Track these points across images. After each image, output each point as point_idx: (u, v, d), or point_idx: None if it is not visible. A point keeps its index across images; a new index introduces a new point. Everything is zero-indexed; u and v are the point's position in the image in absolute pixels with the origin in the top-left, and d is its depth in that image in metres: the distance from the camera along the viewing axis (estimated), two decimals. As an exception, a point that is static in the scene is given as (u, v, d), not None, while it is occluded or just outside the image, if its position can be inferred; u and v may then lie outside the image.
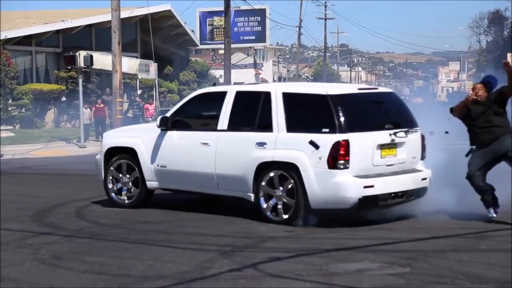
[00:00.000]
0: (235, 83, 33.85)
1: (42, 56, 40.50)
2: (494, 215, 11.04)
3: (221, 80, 43.05)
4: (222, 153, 11.79)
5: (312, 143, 10.79)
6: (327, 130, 10.86)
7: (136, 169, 12.82)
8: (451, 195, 11.79)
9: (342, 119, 10.85)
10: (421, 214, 11.51)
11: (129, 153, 12.93)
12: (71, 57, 29.87)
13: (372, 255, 9.12)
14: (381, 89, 13.20)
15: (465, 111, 11.25)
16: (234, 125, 11.84)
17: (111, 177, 13.11)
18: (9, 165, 22.32)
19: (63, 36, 41.04)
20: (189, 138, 12.33)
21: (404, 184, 11.29)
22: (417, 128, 11.75)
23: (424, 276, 8.05)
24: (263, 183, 11.28)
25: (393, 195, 11.12)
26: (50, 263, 8.84)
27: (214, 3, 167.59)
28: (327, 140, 10.76)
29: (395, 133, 11.28)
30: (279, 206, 11.17)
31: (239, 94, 12.03)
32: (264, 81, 66.84)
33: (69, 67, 33.57)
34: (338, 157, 10.68)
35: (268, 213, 11.28)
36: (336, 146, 10.69)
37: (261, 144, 11.38)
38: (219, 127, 11.95)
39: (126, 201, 12.99)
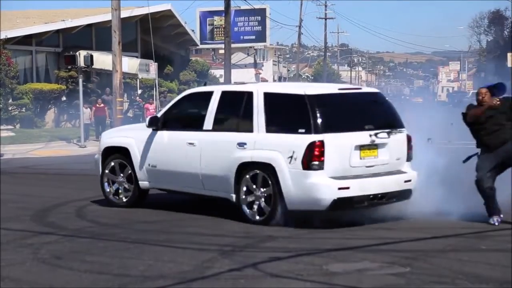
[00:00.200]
0: (235, 83, 33.83)
1: (42, 55, 40.46)
2: (497, 224, 10.89)
3: (222, 80, 43.03)
4: (207, 153, 11.78)
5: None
6: (303, 130, 10.76)
7: (130, 168, 12.85)
8: (451, 195, 11.74)
9: (318, 119, 10.73)
10: (420, 214, 11.45)
11: (123, 153, 12.97)
12: (71, 57, 29.84)
13: (373, 255, 9.12)
14: (365, 89, 13.08)
15: (484, 118, 10.97)
16: (219, 125, 11.83)
17: (107, 178, 13.15)
18: (9, 164, 22.31)
19: (63, 36, 41.02)
20: (177, 138, 12.32)
21: (384, 186, 11.06)
22: (402, 129, 11.52)
23: (424, 276, 8.05)
24: (243, 184, 11.25)
25: (371, 196, 10.91)
26: (51, 263, 8.84)
27: (214, 2, 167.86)
28: (302, 140, 10.67)
29: (375, 134, 11.07)
30: (256, 207, 11.13)
31: (224, 94, 12.01)
32: (264, 80, 66.85)
33: (69, 67, 33.61)
34: (312, 158, 10.56)
35: (248, 212, 11.24)
36: (311, 146, 10.57)
37: (241, 145, 11.34)
38: (204, 127, 11.94)
39: (124, 200, 12.99)
